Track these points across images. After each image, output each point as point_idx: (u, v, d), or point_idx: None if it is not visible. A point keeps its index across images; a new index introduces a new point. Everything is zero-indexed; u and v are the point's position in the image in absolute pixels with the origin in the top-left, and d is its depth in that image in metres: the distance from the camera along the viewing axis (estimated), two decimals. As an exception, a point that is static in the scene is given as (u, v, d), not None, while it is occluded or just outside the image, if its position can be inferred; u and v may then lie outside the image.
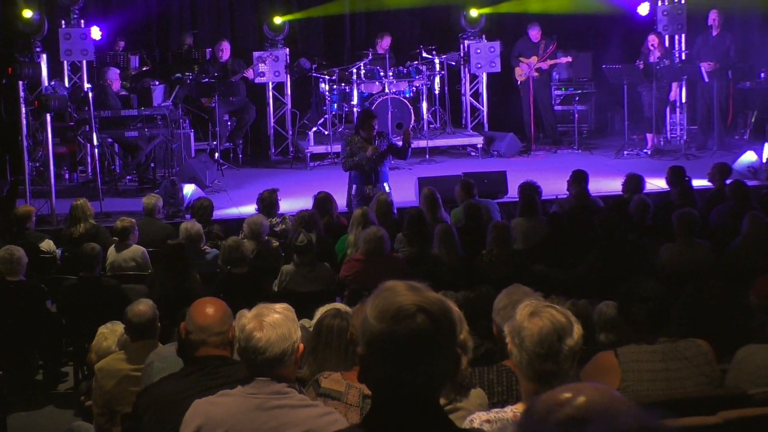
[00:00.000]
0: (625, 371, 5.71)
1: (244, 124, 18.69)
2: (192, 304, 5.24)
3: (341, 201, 13.27)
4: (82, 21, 17.24)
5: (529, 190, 12.66)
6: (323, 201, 12.29)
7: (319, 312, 6.38)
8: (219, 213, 13.58)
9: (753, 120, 18.59)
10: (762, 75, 18.53)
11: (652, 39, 18.17)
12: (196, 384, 4.85)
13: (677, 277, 9.33)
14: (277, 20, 18.84)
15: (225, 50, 18.63)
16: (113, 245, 11.41)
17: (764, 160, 15.95)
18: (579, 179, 12.99)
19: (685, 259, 10.15)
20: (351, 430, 3.27)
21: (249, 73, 18.47)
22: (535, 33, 19.25)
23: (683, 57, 19.08)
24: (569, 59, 19.47)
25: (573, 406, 2.05)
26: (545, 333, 3.98)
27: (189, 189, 15.15)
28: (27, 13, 15.51)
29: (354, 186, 13.90)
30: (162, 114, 16.63)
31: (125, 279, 10.56)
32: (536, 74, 19.16)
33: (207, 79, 18.25)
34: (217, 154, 17.85)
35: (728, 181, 12.84)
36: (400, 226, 11.50)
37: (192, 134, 17.61)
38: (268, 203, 12.44)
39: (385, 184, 13.78)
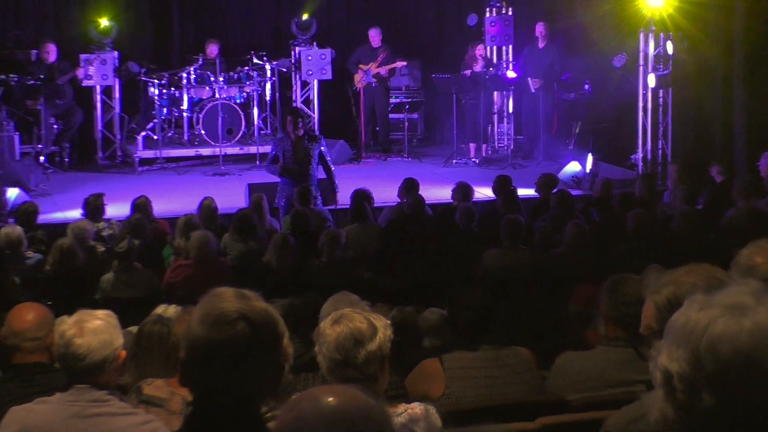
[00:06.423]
0: (449, 378, 5.77)
1: (71, 127, 18.30)
2: (11, 308, 5.14)
3: (160, 207, 13.10)
4: None
5: (363, 197, 12.71)
6: (140, 206, 12.20)
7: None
8: (44, 217, 13.28)
9: (577, 130, 18.97)
10: (586, 86, 18.94)
11: (479, 49, 18.42)
12: (12, 392, 4.75)
13: (501, 285, 9.46)
14: (104, 22, 18.49)
15: (51, 52, 18.21)
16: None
17: (587, 170, 16.32)
18: (411, 187, 13.11)
19: (508, 264, 10.27)
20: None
21: (80, 73, 17.98)
22: (375, 36, 19.14)
23: (510, 67, 19.42)
24: (404, 63, 19.53)
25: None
26: (342, 339, 3.99)
27: (13, 193, 14.80)
28: None
29: (281, 187, 13.89)
30: (-16, 117, 16.24)
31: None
32: (375, 81, 19.16)
33: (33, 81, 17.83)
34: (42, 158, 17.47)
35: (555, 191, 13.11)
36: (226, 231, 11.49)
37: (17, 137, 17.17)
38: (93, 207, 12.24)
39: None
